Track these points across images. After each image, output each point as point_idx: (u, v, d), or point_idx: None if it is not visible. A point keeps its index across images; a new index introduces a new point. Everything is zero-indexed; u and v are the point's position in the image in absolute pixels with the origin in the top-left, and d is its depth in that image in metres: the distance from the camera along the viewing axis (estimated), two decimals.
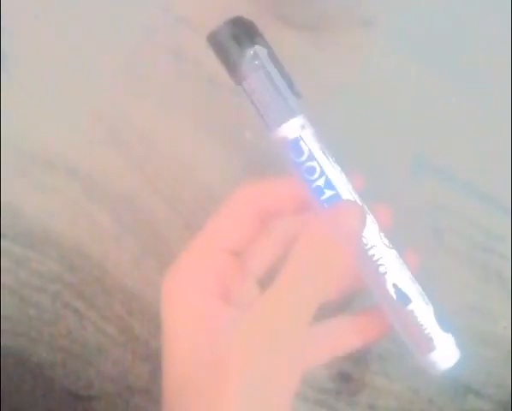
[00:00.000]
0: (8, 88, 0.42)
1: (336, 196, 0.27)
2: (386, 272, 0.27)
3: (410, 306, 0.28)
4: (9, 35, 0.43)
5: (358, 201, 0.28)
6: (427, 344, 0.28)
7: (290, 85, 0.27)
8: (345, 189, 0.27)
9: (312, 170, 0.27)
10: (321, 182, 0.27)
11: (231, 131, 0.41)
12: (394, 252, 0.28)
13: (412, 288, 0.28)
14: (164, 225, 0.40)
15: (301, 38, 0.42)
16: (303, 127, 0.27)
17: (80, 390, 0.39)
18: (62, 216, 0.41)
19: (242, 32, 0.27)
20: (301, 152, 0.27)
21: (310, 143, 0.27)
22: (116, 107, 0.42)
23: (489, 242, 0.39)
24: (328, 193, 0.27)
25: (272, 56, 0.27)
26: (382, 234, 0.28)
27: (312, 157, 0.27)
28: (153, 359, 0.39)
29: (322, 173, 0.27)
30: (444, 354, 0.28)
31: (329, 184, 0.27)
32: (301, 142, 0.27)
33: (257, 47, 0.27)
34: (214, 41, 0.27)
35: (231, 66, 0.27)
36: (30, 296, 0.40)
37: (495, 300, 0.39)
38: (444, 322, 0.28)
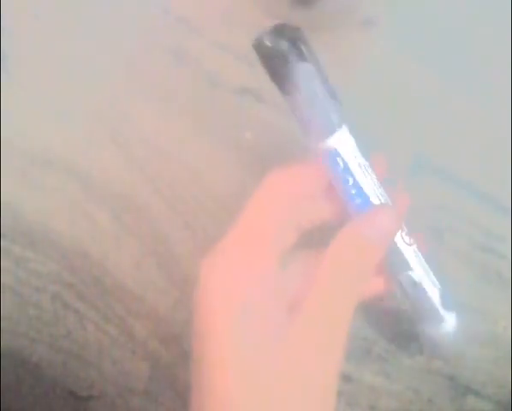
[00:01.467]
0: (8, 88, 0.42)
1: (367, 203, 0.29)
2: (406, 268, 0.30)
3: (421, 292, 0.31)
4: (9, 35, 0.43)
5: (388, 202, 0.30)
6: (435, 319, 0.32)
7: (333, 96, 0.28)
8: (375, 196, 0.29)
9: (346, 180, 0.29)
10: (354, 191, 0.29)
11: (231, 131, 0.41)
12: (413, 248, 0.30)
13: (425, 279, 0.31)
14: (164, 225, 0.40)
15: None
16: (341, 141, 0.28)
17: (80, 390, 0.39)
18: (62, 216, 0.41)
19: (289, 44, 0.26)
20: (338, 165, 0.28)
21: (346, 157, 0.28)
22: (116, 107, 0.42)
23: (489, 242, 0.39)
24: (359, 200, 0.29)
25: (317, 71, 0.27)
26: (404, 232, 0.30)
27: (347, 171, 0.28)
28: (153, 359, 0.39)
29: (355, 184, 0.29)
30: (447, 327, 0.32)
31: (361, 193, 0.29)
32: (338, 158, 0.28)
33: (303, 64, 0.27)
34: (260, 49, 0.27)
35: (276, 78, 0.27)
36: (30, 296, 0.40)
37: (495, 300, 0.39)
38: (449, 302, 0.32)
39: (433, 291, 0.31)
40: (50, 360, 0.40)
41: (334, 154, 0.28)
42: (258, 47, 0.27)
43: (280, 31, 0.26)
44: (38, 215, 0.41)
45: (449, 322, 0.32)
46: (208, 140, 0.41)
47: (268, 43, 0.26)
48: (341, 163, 0.28)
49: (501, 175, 0.40)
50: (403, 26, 0.42)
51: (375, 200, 0.29)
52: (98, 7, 0.43)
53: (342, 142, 0.28)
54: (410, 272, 0.30)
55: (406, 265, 0.30)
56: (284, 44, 0.26)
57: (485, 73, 0.41)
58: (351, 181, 0.28)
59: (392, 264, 0.30)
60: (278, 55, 0.26)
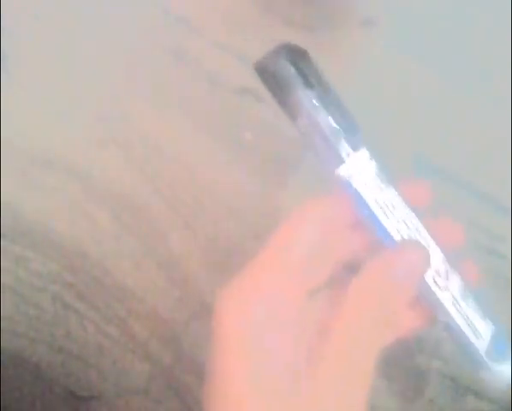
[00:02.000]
0: (8, 88, 0.42)
1: (388, 238, 0.26)
2: (438, 312, 0.27)
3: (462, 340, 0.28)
4: (9, 35, 0.43)
5: (421, 232, 0.27)
6: (482, 367, 0.28)
7: (345, 122, 0.26)
8: (396, 231, 0.26)
9: (363, 212, 0.26)
10: (373, 224, 0.26)
11: (231, 131, 0.41)
12: (451, 293, 0.27)
13: (466, 328, 0.28)
14: (164, 225, 0.40)
15: (301, 38, 0.42)
16: (352, 170, 0.26)
17: (80, 390, 0.39)
18: (62, 216, 0.41)
19: (293, 69, 0.24)
20: (352, 196, 0.26)
21: (360, 187, 0.26)
22: (116, 107, 0.42)
23: (489, 242, 0.39)
24: (381, 234, 0.26)
25: (323, 96, 0.25)
26: (438, 272, 0.27)
27: (361, 202, 0.26)
28: (153, 359, 0.39)
29: (372, 217, 0.26)
30: (496, 376, 0.29)
31: (380, 227, 0.26)
32: (350, 188, 0.26)
33: (307, 91, 0.24)
34: (262, 72, 0.25)
35: (280, 103, 0.25)
36: (30, 296, 0.40)
37: (495, 300, 0.39)
38: (501, 353, 0.28)
39: (479, 342, 0.28)
40: (49, 361, 0.40)
41: (346, 184, 0.26)
42: (260, 70, 0.25)
43: (283, 53, 0.24)
44: (38, 215, 0.41)
45: (500, 373, 0.28)
46: (208, 140, 0.41)
47: (270, 66, 0.24)
48: (354, 195, 0.26)
49: (501, 175, 0.40)
50: (403, 26, 0.42)
51: (396, 235, 0.26)
52: (98, 7, 0.43)
53: (355, 171, 0.26)
54: (447, 319, 0.27)
55: (441, 311, 0.27)
56: (287, 69, 0.24)
57: (485, 73, 0.41)
58: (367, 214, 0.26)
59: (428, 304, 0.27)
60: (280, 80, 0.24)
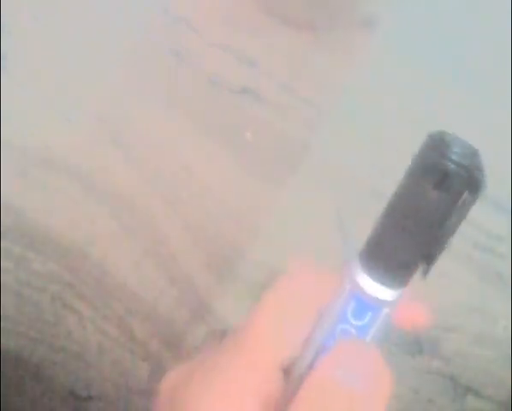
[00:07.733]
0: (8, 88, 0.43)
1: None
2: None
3: None
4: (9, 35, 0.43)
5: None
6: None
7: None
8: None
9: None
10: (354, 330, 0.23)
11: (231, 131, 0.41)
12: None
13: None
14: (164, 225, 0.40)
15: (301, 38, 0.42)
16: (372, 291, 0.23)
17: (79, 390, 0.39)
18: (62, 216, 0.41)
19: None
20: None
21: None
22: (117, 107, 0.42)
23: (489, 242, 0.39)
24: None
25: None
26: None
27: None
28: (153, 359, 0.39)
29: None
30: None
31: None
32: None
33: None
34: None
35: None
36: (30, 296, 0.40)
37: (495, 300, 0.39)
38: None
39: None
40: (50, 360, 0.40)
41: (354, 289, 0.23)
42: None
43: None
44: (38, 215, 0.41)
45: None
46: (208, 140, 0.41)
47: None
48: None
49: (501, 175, 0.40)
50: (403, 26, 0.42)
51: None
52: (98, 7, 0.43)
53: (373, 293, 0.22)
54: None
55: None
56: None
57: (485, 72, 0.41)
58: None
59: None
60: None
